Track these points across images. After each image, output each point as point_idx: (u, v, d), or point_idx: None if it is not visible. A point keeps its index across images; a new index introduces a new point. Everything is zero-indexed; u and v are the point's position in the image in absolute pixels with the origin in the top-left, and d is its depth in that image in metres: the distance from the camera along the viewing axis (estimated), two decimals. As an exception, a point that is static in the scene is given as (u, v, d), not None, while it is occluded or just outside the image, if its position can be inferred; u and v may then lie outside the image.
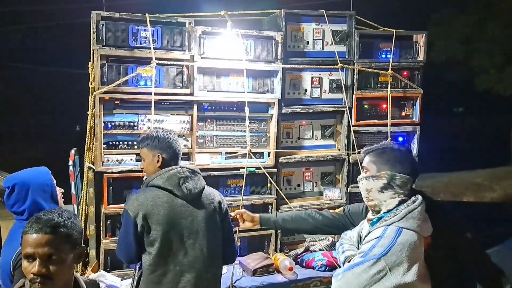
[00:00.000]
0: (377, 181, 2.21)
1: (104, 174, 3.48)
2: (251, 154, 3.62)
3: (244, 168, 3.64)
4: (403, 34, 4.12)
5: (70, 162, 3.68)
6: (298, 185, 4.04)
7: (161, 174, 2.67)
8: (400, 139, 4.22)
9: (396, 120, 4.14)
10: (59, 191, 2.80)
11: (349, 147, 4.02)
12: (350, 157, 4.01)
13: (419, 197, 2.17)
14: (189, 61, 3.55)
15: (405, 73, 4.13)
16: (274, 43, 3.71)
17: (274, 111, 3.78)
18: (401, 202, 2.15)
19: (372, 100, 4.08)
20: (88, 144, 3.56)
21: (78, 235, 1.78)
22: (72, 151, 3.76)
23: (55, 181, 2.77)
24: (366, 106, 4.07)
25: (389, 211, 2.16)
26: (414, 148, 4.19)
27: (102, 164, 3.48)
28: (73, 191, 3.72)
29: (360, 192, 2.32)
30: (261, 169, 3.68)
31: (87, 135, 3.55)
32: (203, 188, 2.74)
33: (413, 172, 2.22)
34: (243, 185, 3.58)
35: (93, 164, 3.48)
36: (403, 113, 4.20)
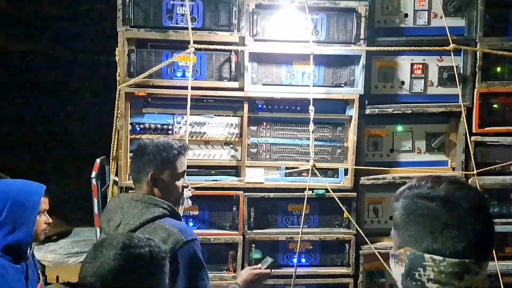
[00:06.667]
0: (397, 266, 1.18)
1: (129, 191, 2.82)
2: (316, 171, 2.68)
3: (311, 189, 2.84)
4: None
5: (93, 174, 3.07)
6: (391, 218, 2.95)
7: None
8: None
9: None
10: (43, 220, 2.38)
11: (468, 165, 2.99)
12: (470, 180, 2.92)
13: None
14: (238, 45, 2.90)
15: (561, 57, 2.95)
16: (355, 18, 2.86)
17: (354, 111, 2.91)
18: None
19: (505, 97, 3.04)
20: (114, 151, 3.00)
21: None
22: (98, 160, 3.15)
23: (43, 206, 2.36)
24: (495, 106, 3.06)
25: None
26: None
27: (128, 177, 2.87)
28: (95, 210, 3.07)
29: None
30: (331, 192, 2.78)
31: (112, 140, 3.00)
32: (140, 225, 2.05)
33: (476, 247, 1.08)
34: (303, 213, 2.70)
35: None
36: (559, 118, 3.06)
